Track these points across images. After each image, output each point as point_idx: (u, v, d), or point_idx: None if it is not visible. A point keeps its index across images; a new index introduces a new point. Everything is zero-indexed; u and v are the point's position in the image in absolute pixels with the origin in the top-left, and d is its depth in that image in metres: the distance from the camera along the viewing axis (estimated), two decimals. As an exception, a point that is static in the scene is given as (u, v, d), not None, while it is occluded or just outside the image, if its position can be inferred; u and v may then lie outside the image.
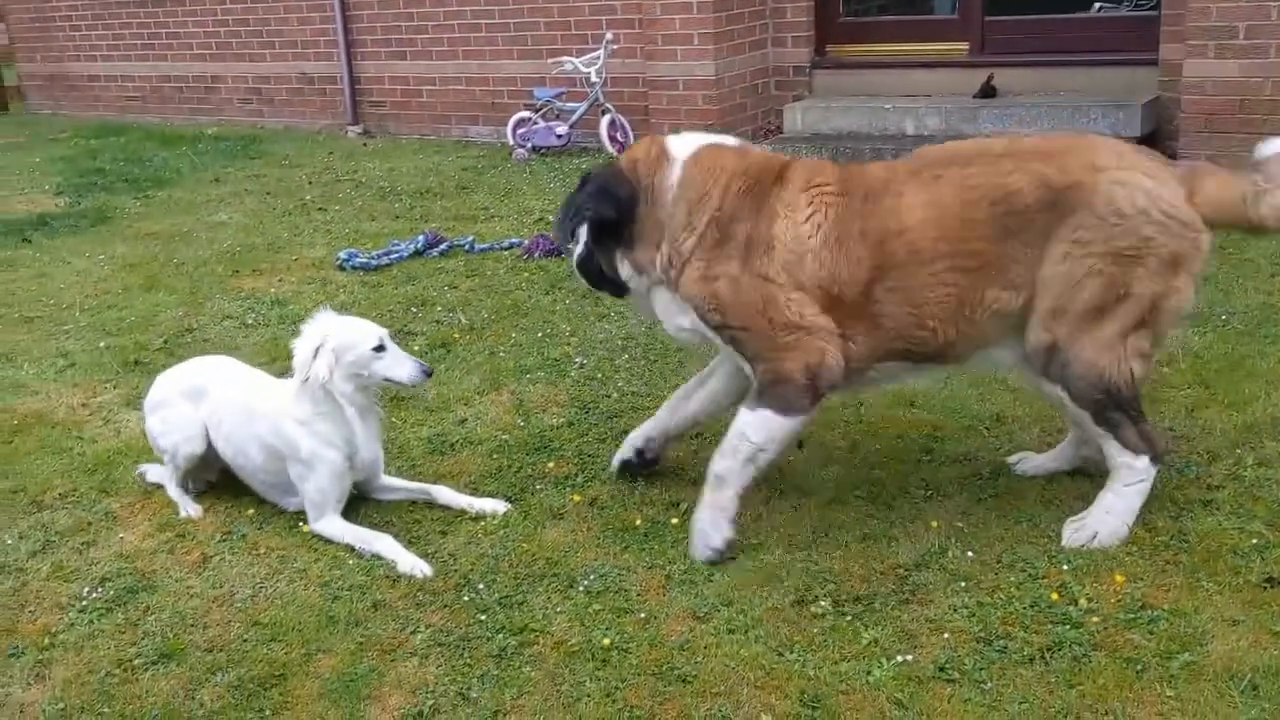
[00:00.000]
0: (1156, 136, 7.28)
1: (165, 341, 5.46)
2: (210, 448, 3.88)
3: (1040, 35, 8.41)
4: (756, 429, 3.26)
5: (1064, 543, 3.21)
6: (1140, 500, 3.23)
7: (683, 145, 3.43)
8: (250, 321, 5.67)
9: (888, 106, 8.45)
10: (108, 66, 13.49)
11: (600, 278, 3.55)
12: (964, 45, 8.74)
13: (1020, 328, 3.19)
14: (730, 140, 3.55)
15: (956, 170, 3.18)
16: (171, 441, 3.88)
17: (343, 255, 6.49)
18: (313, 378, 3.58)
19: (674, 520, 3.51)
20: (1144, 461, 3.20)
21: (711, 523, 3.31)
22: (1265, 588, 2.94)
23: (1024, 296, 3.14)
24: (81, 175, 9.63)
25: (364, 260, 6.42)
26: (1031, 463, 3.66)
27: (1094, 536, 3.19)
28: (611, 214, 3.38)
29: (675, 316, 3.46)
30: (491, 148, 9.87)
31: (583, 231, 3.45)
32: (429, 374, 3.71)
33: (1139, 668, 2.69)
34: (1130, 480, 3.21)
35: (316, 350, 3.58)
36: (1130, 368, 3.13)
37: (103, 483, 4.08)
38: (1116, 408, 3.16)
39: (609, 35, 9.10)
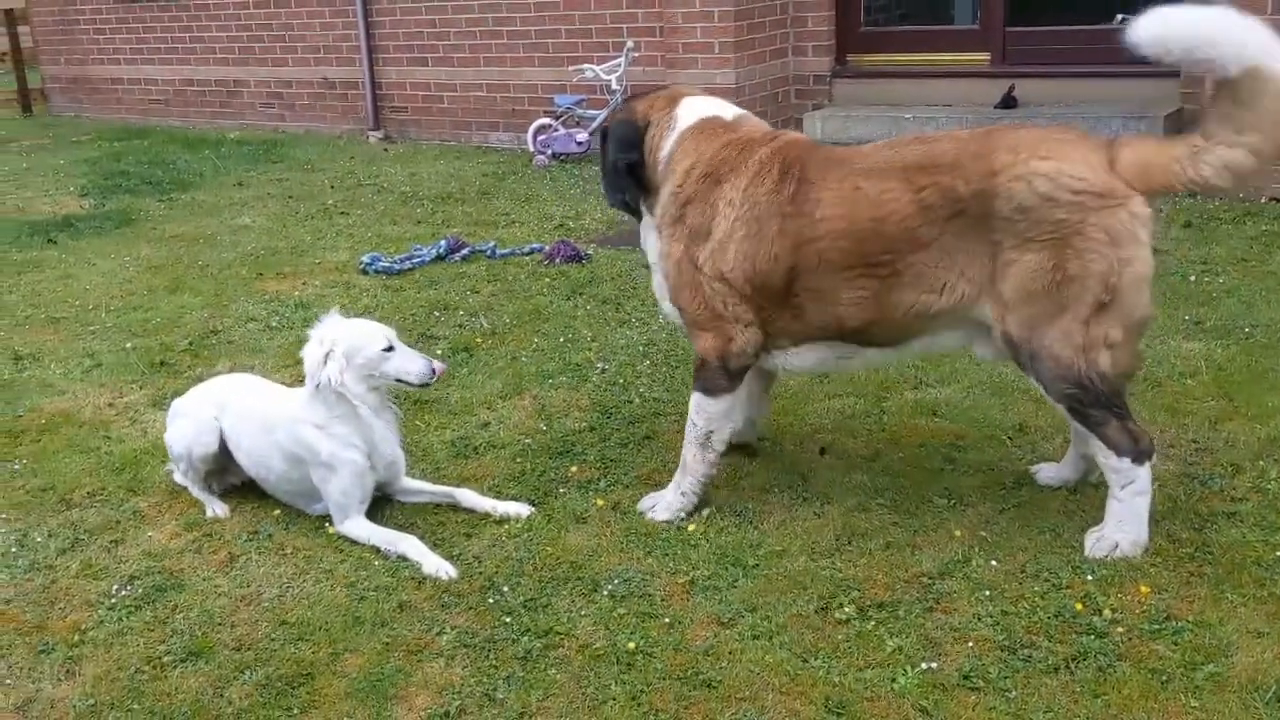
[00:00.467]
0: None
1: (190, 343, 5.50)
2: (226, 449, 3.91)
3: (1062, 46, 8.42)
4: (697, 411, 3.60)
5: (1087, 553, 3.21)
6: (1145, 501, 3.19)
7: (688, 113, 3.61)
8: (275, 324, 5.71)
9: (908, 116, 8.47)
10: (131, 70, 13.60)
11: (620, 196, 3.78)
12: (985, 55, 8.76)
13: (968, 315, 3.26)
14: (728, 114, 3.65)
15: (871, 184, 3.25)
16: (184, 445, 3.91)
17: (365, 259, 6.53)
18: (324, 382, 3.61)
19: (691, 527, 3.53)
20: (1126, 463, 3.16)
21: (669, 500, 3.62)
22: (1290, 600, 2.95)
23: (955, 296, 3.22)
24: (106, 177, 9.71)
25: (387, 264, 6.46)
26: (1046, 473, 3.68)
27: (1115, 547, 3.19)
28: (635, 156, 3.65)
29: (663, 299, 3.72)
30: (512, 154, 9.93)
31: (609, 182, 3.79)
32: (436, 371, 3.75)
33: (1164, 678, 2.70)
34: (1123, 484, 3.19)
35: (326, 355, 3.62)
36: (1097, 358, 3.10)
37: (130, 482, 4.13)
38: (1095, 404, 3.14)
39: (630, 44, 9.14)
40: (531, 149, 9.50)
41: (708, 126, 3.58)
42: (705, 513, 3.59)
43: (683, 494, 3.62)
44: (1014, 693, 2.70)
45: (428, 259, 6.56)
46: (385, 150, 10.60)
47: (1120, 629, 2.88)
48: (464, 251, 6.63)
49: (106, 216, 8.27)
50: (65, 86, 14.55)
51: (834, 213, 3.29)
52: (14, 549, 3.71)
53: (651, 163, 3.64)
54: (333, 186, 8.98)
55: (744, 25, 8.77)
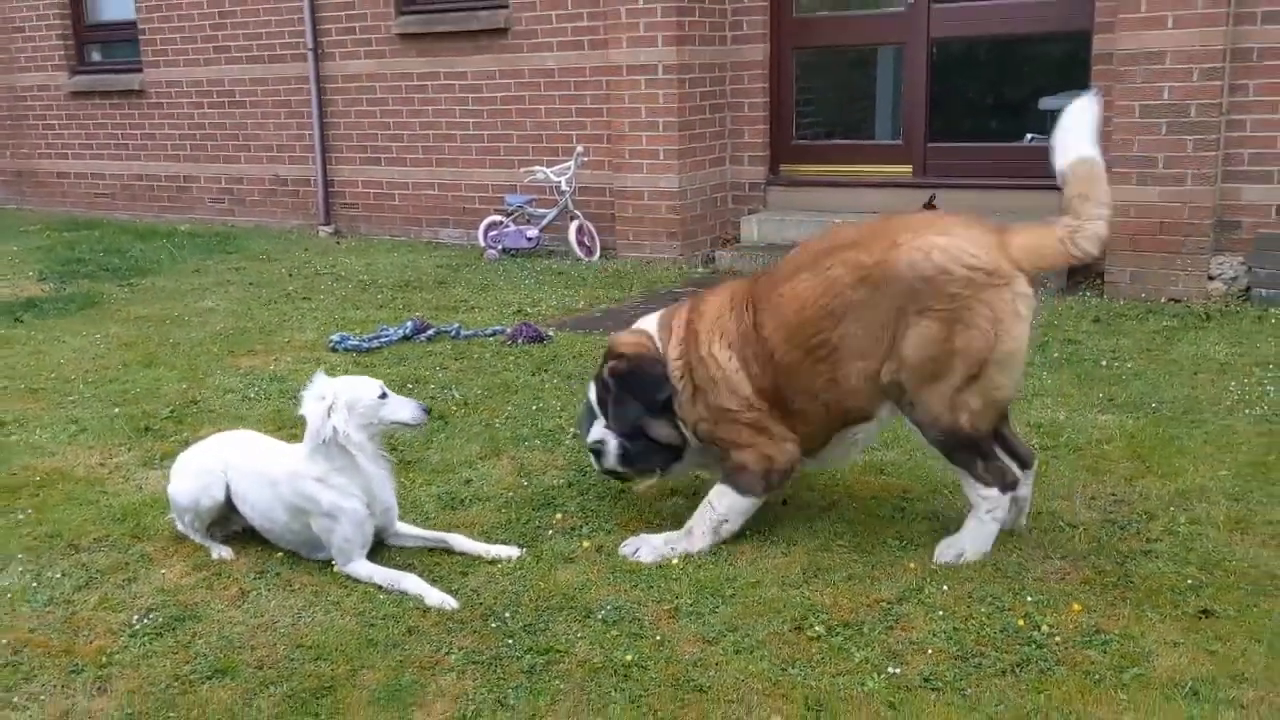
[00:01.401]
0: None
1: (172, 411, 5.75)
2: (230, 502, 4.18)
3: (977, 161, 9.16)
4: (720, 499, 3.94)
5: (936, 559, 3.74)
6: (997, 526, 3.78)
7: (649, 321, 4.23)
8: (253, 395, 5.98)
9: (837, 220, 9.09)
10: (78, 164, 13.83)
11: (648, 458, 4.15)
12: (907, 168, 9.47)
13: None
14: (658, 317, 4.21)
15: (788, 285, 3.78)
16: (192, 497, 4.16)
17: (335, 338, 6.86)
18: (330, 435, 3.91)
19: (674, 562, 3.88)
20: (994, 492, 3.74)
21: (657, 545, 3.94)
22: (1201, 617, 3.39)
23: (880, 357, 3.69)
24: (63, 264, 9.89)
25: (356, 342, 6.79)
26: None
27: (961, 554, 3.74)
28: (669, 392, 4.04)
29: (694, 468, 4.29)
30: (462, 249, 10.36)
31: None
32: (428, 411, 4.07)
33: (1096, 678, 3.11)
34: (988, 509, 3.75)
35: (329, 409, 3.94)
36: (958, 417, 3.64)
37: (134, 529, 4.35)
38: (959, 449, 3.69)
39: (580, 149, 9.70)
40: (483, 244, 9.95)
41: (664, 325, 4.12)
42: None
43: (671, 548, 3.94)
44: (969, 691, 3.08)
45: (395, 338, 6.90)
46: (337, 243, 10.96)
47: (1057, 640, 3.29)
48: (429, 332, 6.99)
49: (69, 299, 8.47)
50: (9, 180, 14.69)
51: (772, 324, 3.82)
52: (32, 585, 3.91)
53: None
54: (291, 274, 9.29)
55: (686, 135, 9.39)
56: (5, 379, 6.44)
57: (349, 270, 9.40)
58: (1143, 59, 7.41)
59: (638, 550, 3.98)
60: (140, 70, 12.89)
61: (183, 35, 12.46)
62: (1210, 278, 7.46)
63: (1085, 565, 3.70)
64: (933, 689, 3.10)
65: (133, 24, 12.83)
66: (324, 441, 3.93)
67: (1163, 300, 7.38)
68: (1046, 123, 9.17)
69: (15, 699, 3.27)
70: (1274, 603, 3.46)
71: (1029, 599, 3.52)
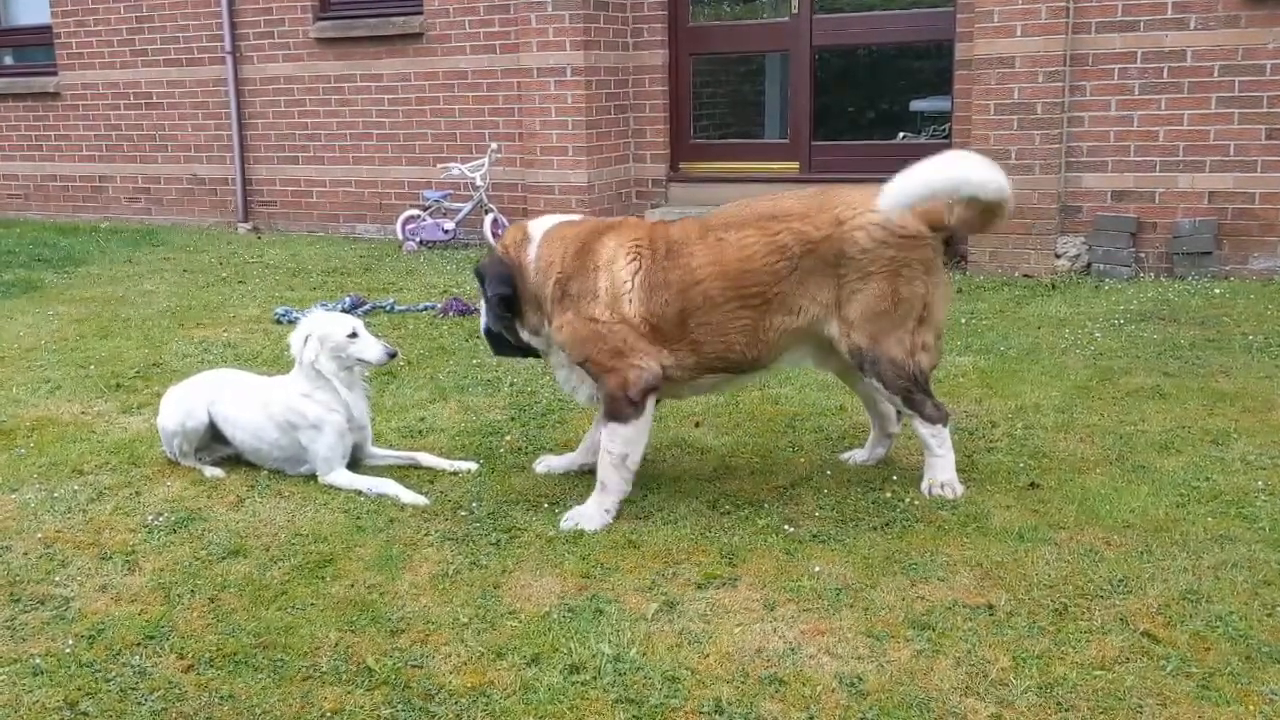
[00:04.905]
0: (950, 237, 8.97)
1: (138, 372, 6.30)
2: (214, 427, 4.80)
3: (857, 157, 10.11)
4: (610, 439, 4.15)
5: (927, 496, 4.25)
6: (952, 453, 4.37)
7: (538, 225, 4.37)
8: (210, 359, 6.55)
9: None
10: (-11, 165, 14.02)
11: (504, 345, 4.51)
12: (795, 164, 10.40)
13: (812, 335, 4.21)
14: (575, 216, 4.63)
15: (733, 234, 4.10)
16: (177, 421, 4.78)
17: (279, 311, 7.46)
18: (301, 359, 4.61)
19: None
20: (939, 428, 4.32)
21: (591, 513, 4.12)
22: (1028, 489, 4.29)
23: (807, 316, 4.13)
24: (-8, 256, 10.24)
25: (298, 315, 7.37)
26: (859, 455, 4.73)
27: (944, 485, 4.28)
28: (507, 290, 4.28)
29: (563, 376, 4.46)
30: (380, 242, 10.97)
31: (492, 315, 4.40)
32: (393, 355, 4.69)
33: (946, 529, 3.97)
34: (939, 443, 4.36)
35: (305, 339, 4.63)
36: (920, 359, 4.25)
37: (129, 458, 4.95)
38: (919, 391, 4.28)
39: (494, 146, 10.42)
40: (401, 237, 10.58)
41: (563, 223, 4.34)
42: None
43: (606, 510, 4.12)
44: (848, 540, 3.91)
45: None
46: (258, 238, 11.47)
47: (917, 505, 4.16)
48: (366, 306, 7.63)
49: (10, 284, 8.87)
50: (-86, 180, 14.76)
51: (707, 259, 4.08)
52: (49, 500, 4.49)
53: (526, 278, 4.25)
54: (221, 263, 9.81)
55: (593, 133, 10.18)
56: (-33, 351, 6.90)
57: (276, 260, 9.96)
58: (996, 63, 8.45)
59: (578, 523, 4.09)
60: (55, 73, 13.19)
61: (99, 39, 12.82)
62: (1056, 255, 8.52)
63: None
64: (820, 541, 3.93)
65: (48, 29, 13.13)
66: (308, 365, 4.60)
67: (1017, 275, 8.41)
68: (917, 123, 10.26)
69: (56, 579, 3.86)
70: (1086, 478, 4.38)
71: (895, 480, 4.39)
